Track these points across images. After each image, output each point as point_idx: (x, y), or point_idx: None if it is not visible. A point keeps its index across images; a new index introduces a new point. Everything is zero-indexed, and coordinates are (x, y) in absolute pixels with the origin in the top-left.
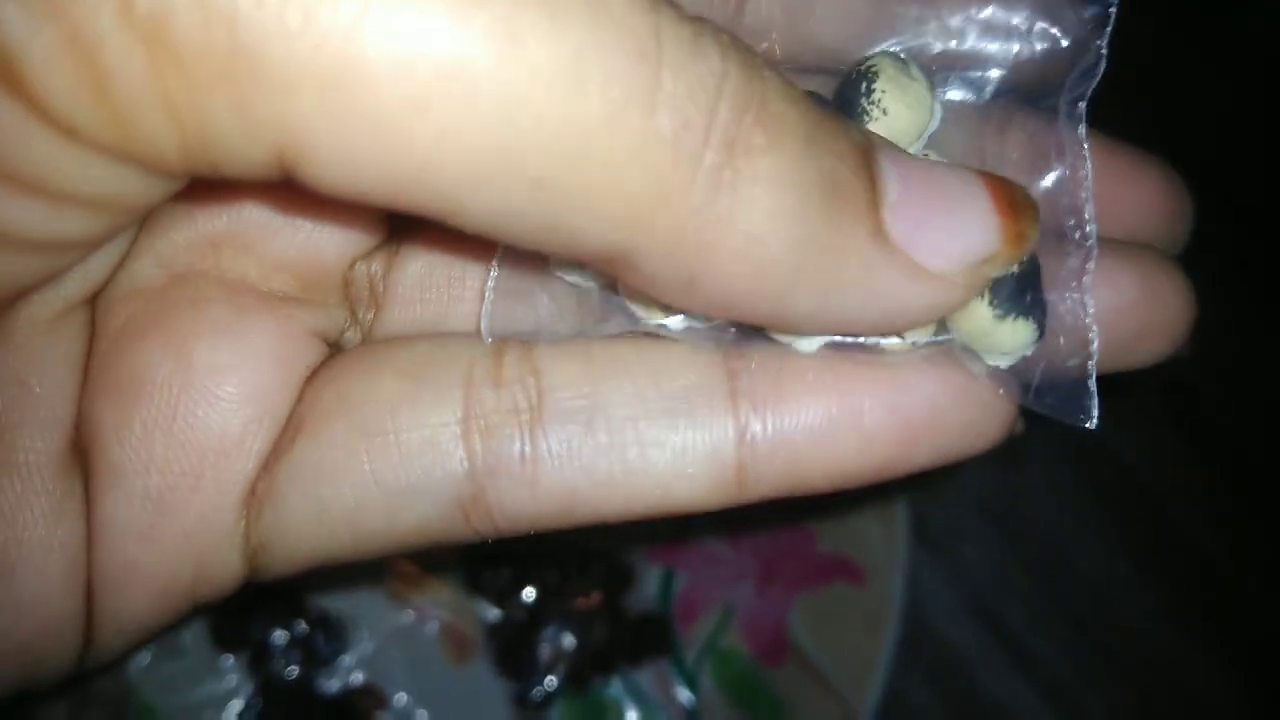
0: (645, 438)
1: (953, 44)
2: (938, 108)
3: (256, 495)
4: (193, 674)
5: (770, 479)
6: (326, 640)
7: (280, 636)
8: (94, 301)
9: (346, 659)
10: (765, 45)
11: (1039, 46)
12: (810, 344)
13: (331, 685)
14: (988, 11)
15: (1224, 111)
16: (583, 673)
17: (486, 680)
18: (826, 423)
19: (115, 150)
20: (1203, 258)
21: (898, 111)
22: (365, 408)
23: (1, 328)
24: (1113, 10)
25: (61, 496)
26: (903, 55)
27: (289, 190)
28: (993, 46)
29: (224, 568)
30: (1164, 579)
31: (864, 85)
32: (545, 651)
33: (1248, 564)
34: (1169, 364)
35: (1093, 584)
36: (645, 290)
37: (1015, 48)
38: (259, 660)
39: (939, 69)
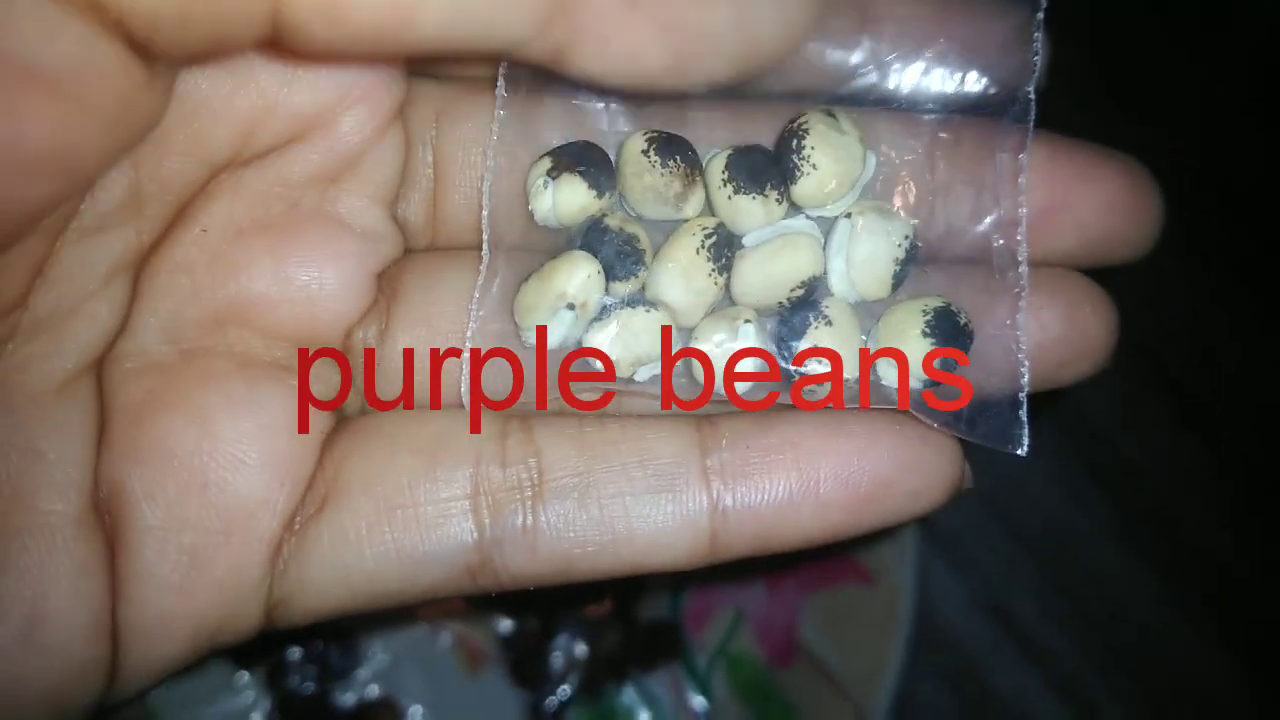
0: (631, 512)
1: (889, 89)
2: (871, 158)
3: (282, 555)
4: (211, 690)
5: (740, 543)
6: (341, 654)
7: (296, 651)
8: (99, 372)
9: (361, 672)
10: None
11: (971, 91)
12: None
13: (348, 699)
14: (921, 60)
15: (1216, 109)
16: (596, 680)
17: (500, 690)
18: (787, 494)
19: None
20: (1204, 257)
21: (826, 166)
22: (386, 483)
23: (6, 402)
24: (1037, 59)
25: (84, 554)
26: (834, 110)
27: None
28: (927, 93)
29: (247, 616)
30: (1169, 570)
31: (794, 142)
32: (558, 660)
33: (1252, 555)
34: (1170, 359)
35: (1100, 576)
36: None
37: (948, 94)
38: (276, 675)
39: (878, 111)
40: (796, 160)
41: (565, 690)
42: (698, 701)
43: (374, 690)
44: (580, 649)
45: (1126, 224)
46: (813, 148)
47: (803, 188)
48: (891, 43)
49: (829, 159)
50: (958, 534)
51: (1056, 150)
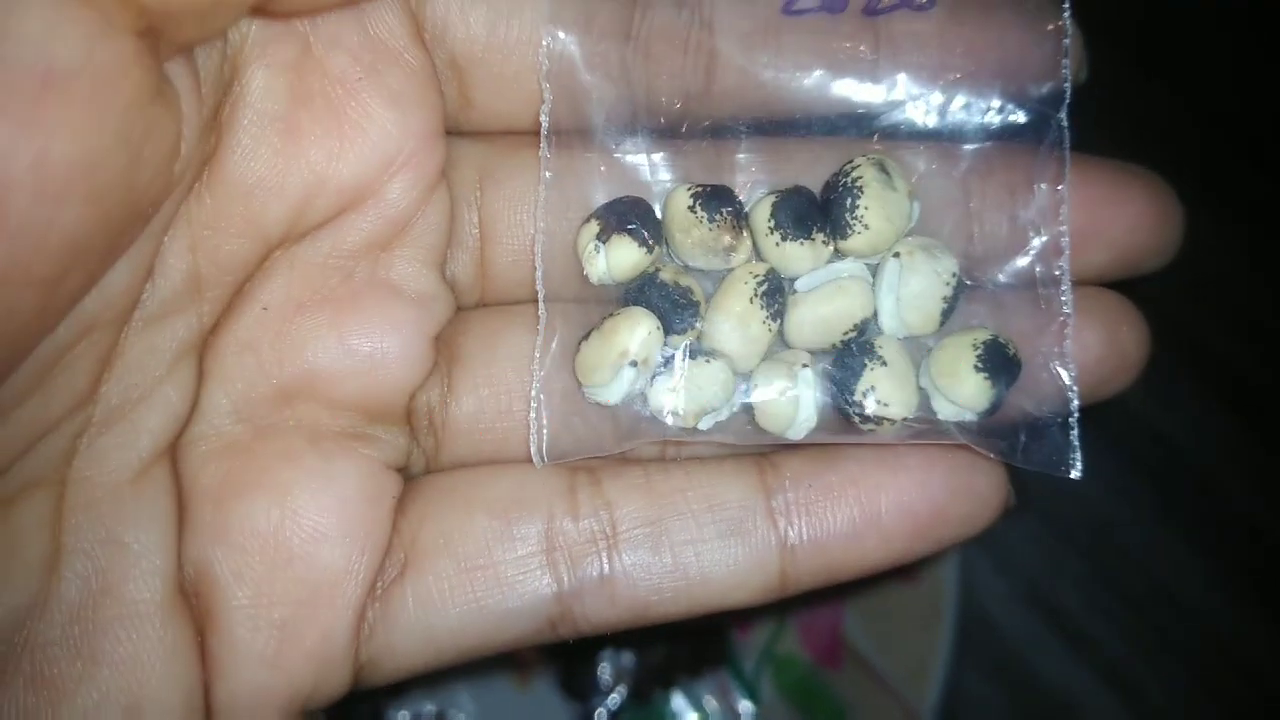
0: (703, 558)
1: (924, 121)
2: (916, 208)
3: (367, 620)
4: None
5: (808, 578)
6: None
7: None
8: (173, 457)
9: (415, 690)
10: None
11: (1004, 119)
12: (797, 432)
13: (404, 716)
14: (951, 90)
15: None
16: (644, 688)
17: (551, 702)
18: (851, 528)
19: None
20: (1242, 233)
21: (879, 226)
22: (464, 544)
23: (82, 495)
24: (1067, 85)
25: (174, 639)
26: (885, 162)
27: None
28: (961, 123)
29: (337, 681)
30: (1214, 553)
31: (849, 201)
32: (606, 671)
33: None
34: (1208, 337)
35: (1143, 562)
36: None
37: (982, 122)
38: None
39: (914, 143)
40: (849, 219)
41: (615, 699)
42: (745, 705)
43: (429, 707)
44: (627, 658)
45: (1152, 239)
46: (866, 207)
47: (853, 244)
48: (920, 74)
49: (881, 218)
50: (997, 527)
51: (1084, 173)
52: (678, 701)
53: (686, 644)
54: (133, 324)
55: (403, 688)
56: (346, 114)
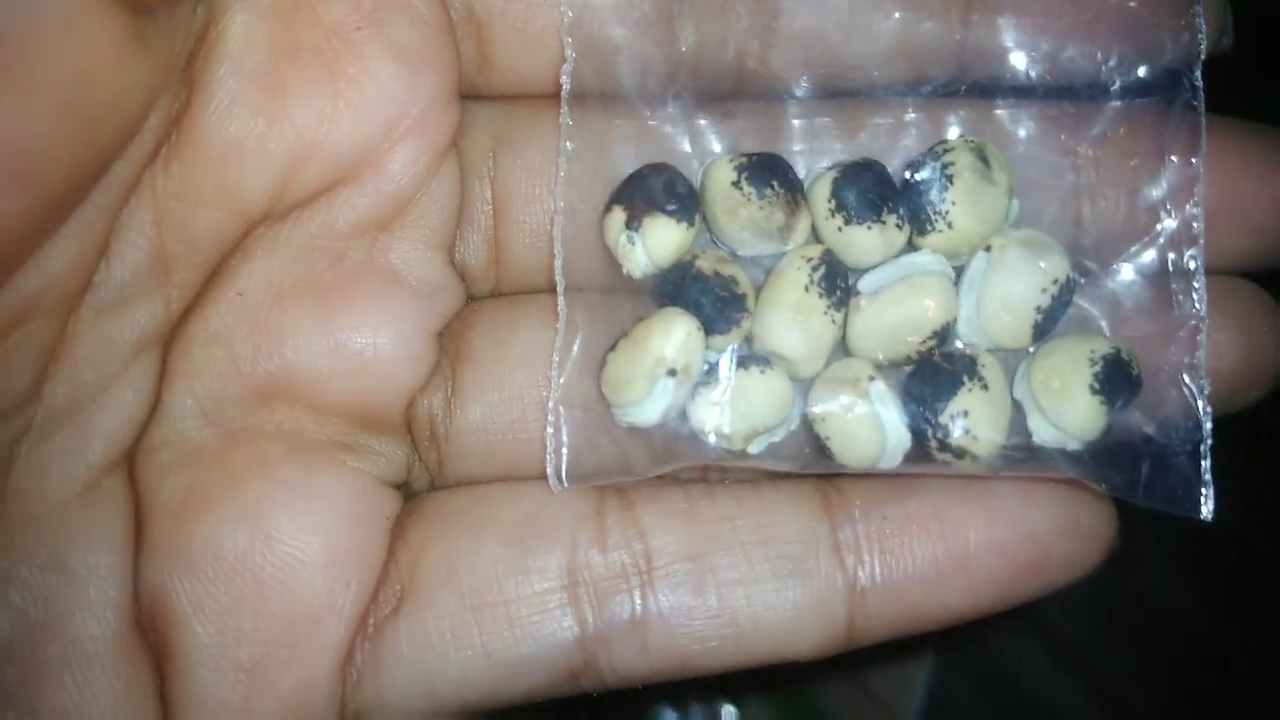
0: (755, 601)
1: (1022, 77)
2: (1015, 205)
3: (355, 664)
4: None
5: (880, 627)
6: None
7: None
8: (130, 466)
9: None
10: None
11: (1124, 79)
12: (891, 460)
13: None
14: (1057, 40)
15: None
16: (629, 696)
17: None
18: (934, 569)
19: None
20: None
21: (966, 226)
22: (472, 576)
23: (21, 512)
24: (1202, 36)
25: (128, 681)
26: (985, 148)
27: None
28: (1067, 80)
29: None
30: (1204, 567)
31: (935, 190)
32: None
33: None
34: None
35: (1133, 575)
36: None
37: (1093, 79)
38: None
39: (1010, 104)
40: (931, 212)
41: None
42: (728, 710)
43: None
44: None
45: None
46: (954, 202)
47: (931, 242)
48: (1023, 20)
49: (971, 217)
50: None
51: (1221, 139)
52: (662, 708)
53: None
54: (83, 311)
55: None
56: (342, 69)
